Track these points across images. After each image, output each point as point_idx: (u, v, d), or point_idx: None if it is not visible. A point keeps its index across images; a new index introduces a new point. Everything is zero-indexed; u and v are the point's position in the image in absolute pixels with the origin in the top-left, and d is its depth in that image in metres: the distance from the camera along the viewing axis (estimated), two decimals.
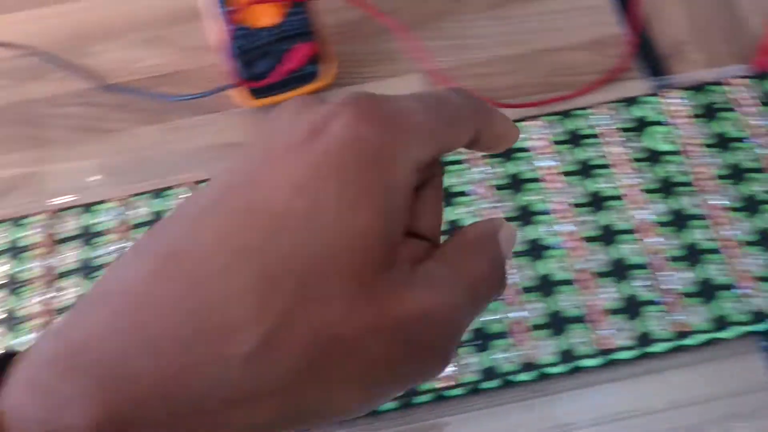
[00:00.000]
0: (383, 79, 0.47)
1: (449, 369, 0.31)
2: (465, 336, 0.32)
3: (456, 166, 0.36)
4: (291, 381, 0.15)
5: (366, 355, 0.15)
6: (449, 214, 0.34)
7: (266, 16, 0.42)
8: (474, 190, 0.35)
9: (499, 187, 0.35)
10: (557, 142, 0.37)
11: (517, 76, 0.46)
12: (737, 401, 0.37)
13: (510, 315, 0.32)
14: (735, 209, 0.34)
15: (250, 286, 0.15)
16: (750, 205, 0.34)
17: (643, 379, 0.37)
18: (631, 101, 0.38)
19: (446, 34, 0.48)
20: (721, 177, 0.35)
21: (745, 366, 0.37)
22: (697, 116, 0.37)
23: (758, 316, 0.32)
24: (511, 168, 0.36)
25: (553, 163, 0.36)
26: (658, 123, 0.37)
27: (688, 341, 0.35)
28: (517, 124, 0.37)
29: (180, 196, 0.38)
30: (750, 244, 0.33)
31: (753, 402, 0.37)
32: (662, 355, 0.37)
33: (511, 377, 0.35)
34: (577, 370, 0.35)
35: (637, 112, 0.37)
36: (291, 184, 0.16)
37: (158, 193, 0.38)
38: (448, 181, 0.35)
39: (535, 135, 0.37)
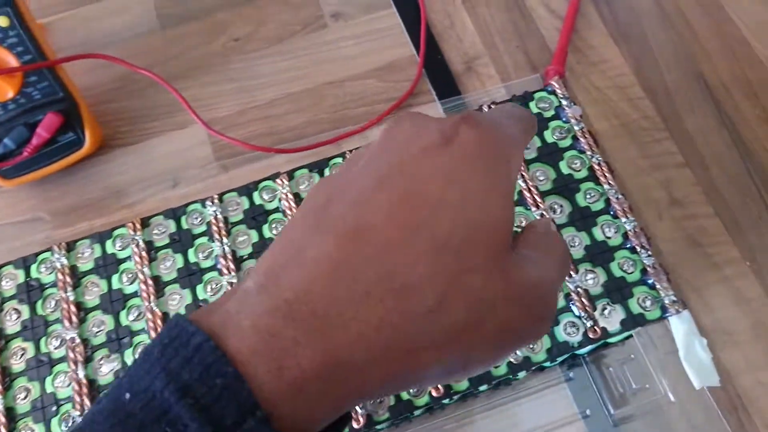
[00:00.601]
0: (167, 133, 0.43)
1: None
2: None
3: (199, 240, 0.33)
4: (457, 332, 0.18)
5: (499, 316, 0.19)
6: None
7: None
8: (217, 264, 0.32)
9: (244, 258, 0.32)
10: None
11: (306, 113, 0.43)
12: None
13: None
14: None
15: (423, 255, 0.18)
16: None
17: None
18: None
19: (227, 78, 0.45)
20: None
21: (556, 398, 0.36)
22: None
23: (513, 368, 0.30)
24: (256, 235, 0.33)
25: None
26: None
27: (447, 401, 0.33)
28: (263, 183, 0.34)
29: None
30: None
31: None
32: (459, 405, 0.35)
33: None
34: None
35: None
36: (443, 176, 0.19)
37: None
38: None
39: (284, 193, 0.33)
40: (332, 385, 0.17)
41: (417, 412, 0.33)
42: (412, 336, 0.18)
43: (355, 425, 0.28)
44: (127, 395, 0.17)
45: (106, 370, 0.30)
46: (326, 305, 0.17)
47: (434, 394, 0.29)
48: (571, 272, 0.30)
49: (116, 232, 0.33)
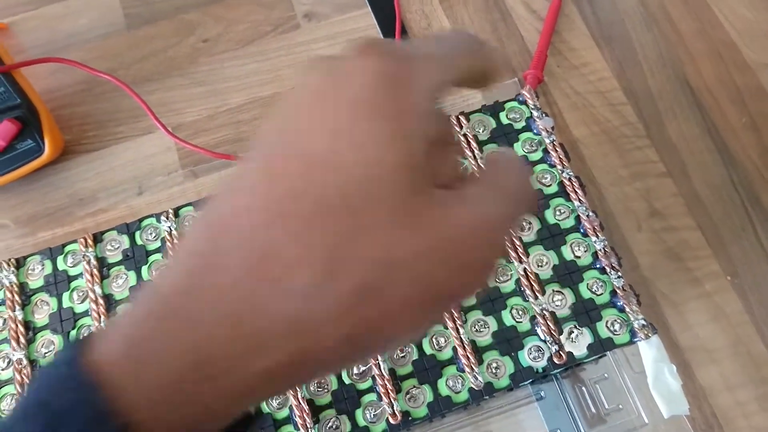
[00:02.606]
0: (132, 139, 0.42)
1: None
2: None
3: (154, 256, 0.31)
4: (351, 306, 0.16)
5: (417, 276, 0.16)
6: None
7: None
8: None
9: None
10: None
11: None
12: None
13: None
14: None
15: (297, 228, 0.16)
16: None
17: None
18: None
19: (196, 80, 0.43)
20: None
21: (526, 417, 0.35)
22: None
23: (474, 394, 0.29)
24: None
25: None
26: None
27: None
28: None
29: None
30: (474, 309, 0.29)
31: None
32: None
33: None
34: None
35: None
36: (328, 130, 0.17)
37: None
38: None
39: None
40: (201, 384, 0.16)
41: None
42: (297, 318, 0.16)
43: None
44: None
45: None
46: (191, 302, 0.16)
47: (392, 421, 0.28)
48: (537, 294, 0.29)
49: (68, 248, 0.32)
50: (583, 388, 0.35)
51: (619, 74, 0.42)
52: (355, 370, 0.29)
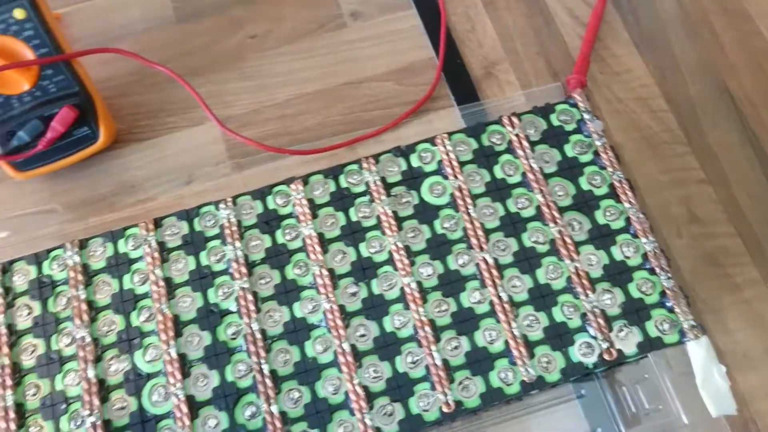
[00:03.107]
0: (182, 130, 0.43)
1: None
2: None
3: (212, 243, 0.32)
4: None
5: None
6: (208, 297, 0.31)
7: (14, 83, 0.37)
8: (229, 269, 0.32)
9: (256, 263, 0.31)
10: (323, 205, 0.33)
11: (321, 114, 0.43)
12: None
13: (266, 408, 0.29)
14: (510, 265, 0.31)
15: None
16: (526, 259, 0.31)
17: None
18: (406, 151, 0.34)
19: (244, 75, 0.44)
20: (496, 230, 0.32)
21: (565, 415, 0.36)
22: (472, 162, 0.34)
23: (526, 386, 0.29)
24: (269, 240, 0.32)
25: (314, 231, 0.32)
26: (433, 173, 0.33)
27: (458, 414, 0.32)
28: (277, 188, 0.33)
29: None
30: (525, 303, 0.30)
31: None
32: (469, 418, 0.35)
33: None
34: None
35: (414, 162, 0.34)
36: None
37: None
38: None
39: (298, 199, 0.33)
40: None
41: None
42: None
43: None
44: None
45: (116, 370, 0.30)
46: None
47: (445, 410, 0.28)
48: (588, 291, 0.30)
49: (129, 232, 0.33)
50: (624, 388, 0.36)
51: (660, 82, 0.43)
52: (409, 360, 0.29)
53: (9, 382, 0.30)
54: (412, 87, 0.44)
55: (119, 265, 0.32)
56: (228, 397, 0.29)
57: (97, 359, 0.30)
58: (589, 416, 0.35)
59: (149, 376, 0.30)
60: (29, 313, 0.31)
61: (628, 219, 0.31)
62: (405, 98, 0.44)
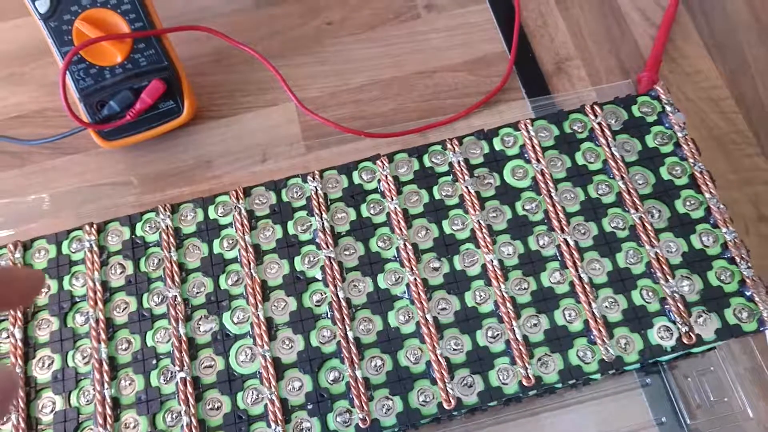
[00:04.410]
0: (258, 109, 0.44)
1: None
2: (301, 400, 0.30)
3: (298, 213, 0.34)
4: None
5: None
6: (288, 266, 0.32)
7: (109, 55, 0.39)
8: (315, 238, 0.33)
9: (341, 235, 0.33)
10: (407, 182, 0.34)
11: (394, 100, 0.44)
12: None
13: (350, 373, 0.30)
14: (590, 248, 0.32)
15: None
16: (606, 243, 0.32)
17: (507, 426, 0.35)
18: (489, 134, 0.35)
19: (320, 60, 0.46)
20: (576, 213, 0.33)
21: (629, 403, 0.36)
22: (554, 148, 0.35)
23: (604, 366, 0.30)
24: (354, 213, 0.33)
25: (399, 206, 0.33)
26: (515, 157, 0.34)
27: (533, 392, 0.32)
28: (363, 164, 0.34)
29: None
30: (605, 286, 0.31)
31: None
32: (537, 399, 0.36)
33: None
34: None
35: (496, 145, 0.35)
36: None
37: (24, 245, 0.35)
38: (293, 230, 0.33)
39: (383, 175, 0.34)
40: None
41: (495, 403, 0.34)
42: None
43: (446, 406, 0.29)
44: None
45: (204, 330, 0.31)
46: None
47: (525, 383, 0.29)
48: (668, 277, 0.31)
49: (219, 199, 0.34)
50: (689, 379, 0.36)
51: (730, 84, 0.43)
52: (489, 334, 0.30)
53: (103, 336, 0.31)
54: (484, 78, 0.45)
55: (209, 230, 0.33)
56: (312, 361, 0.30)
57: (187, 318, 0.32)
58: (654, 405, 0.36)
59: (236, 337, 0.31)
60: (122, 272, 0.33)
61: (708, 209, 0.32)
62: (477, 89, 0.45)
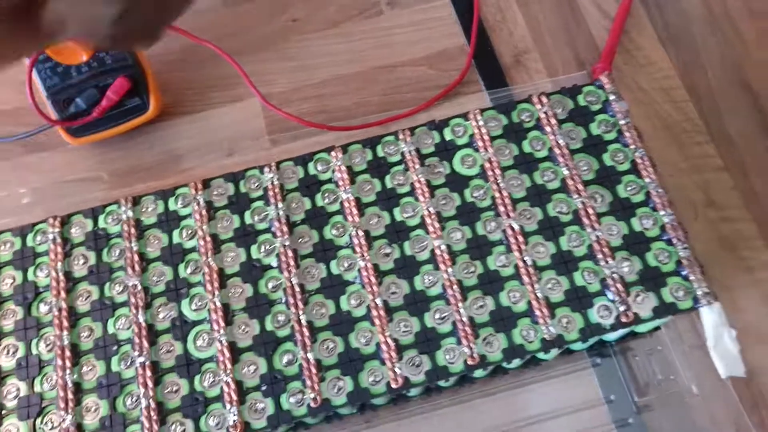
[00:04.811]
0: (225, 105, 0.46)
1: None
2: (255, 381, 0.31)
3: (256, 204, 0.35)
4: None
5: None
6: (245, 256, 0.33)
7: (75, 53, 0.40)
8: (272, 227, 0.34)
9: (297, 224, 0.34)
10: (361, 172, 0.35)
11: (357, 95, 0.45)
12: (573, 419, 0.36)
13: (303, 355, 0.31)
14: (535, 233, 0.33)
15: None
16: (550, 227, 0.33)
17: (463, 407, 0.36)
18: (440, 125, 0.36)
19: (285, 56, 0.47)
20: (522, 199, 0.34)
21: (581, 383, 0.37)
22: (502, 137, 0.36)
23: (546, 344, 0.31)
24: (309, 203, 0.34)
25: (352, 195, 0.34)
26: (464, 146, 0.35)
27: (478, 373, 0.34)
28: (318, 155, 0.35)
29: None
30: (548, 268, 0.32)
31: (587, 419, 0.37)
32: (492, 380, 0.37)
33: (305, 420, 0.34)
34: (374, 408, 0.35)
35: (447, 135, 0.35)
36: None
37: None
38: (248, 220, 0.34)
39: (338, 166, 0.35)
40: None
41: (448, 383, 0.35)
42: None
43: (393, 385, 0.30)
44: None
45: (163, 317, 0.32)
46: None
47: (469, 362, 0.30)
48: (608, 258, 0.32)
49: (178, 191, 0.35)
50: (637, 358, 0.37)
51: (682, 74, 0.45)
52: (437, 316, 0.31)
53: (66, 324, 0.32)
54: (445, 72, 0.46)
55: (169, 221, 0.34)
56: (267, 344, 0.31)
57: (147, 306, 0.33)
58: (604, 385, 0.37)
59: (194, 323, 0.32)
60: (85, 263, 0.34)
61: (648, 193, 0.33)
62: (437, 82, 0.46)
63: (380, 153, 0.35)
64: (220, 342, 0.31)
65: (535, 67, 0.45)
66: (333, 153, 0.35)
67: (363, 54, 0.46)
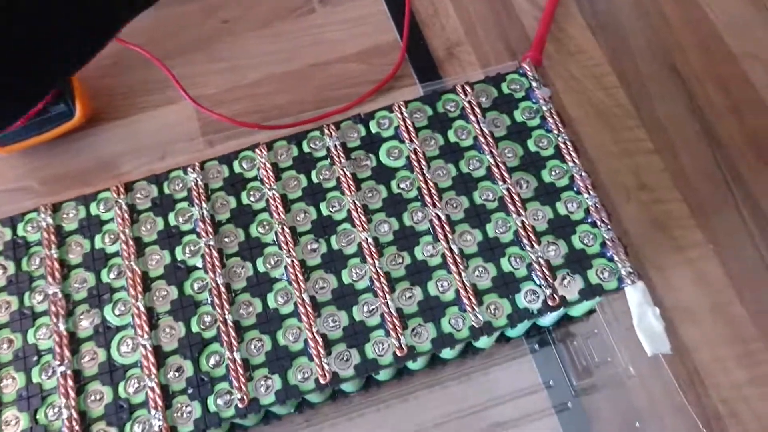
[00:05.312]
0: (156, 109, 0.45)
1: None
2: (182, 385, 0.30)
3: (180, 205, 0.34)
4: None
5: None
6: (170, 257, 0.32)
7: None
8: (196, 228, 0.33)
9: (222, 223, 0.33)
10: (286, 168, 0.35)
11: (291, 93, 0.45)
12: (513, 405, 0.36)
13: (229, 355, 0.30)
14: (462, 221, 0.33)
15: None
16: (477, 215, 0.33)
17: (406, 400, 0.36)
18: (365, 118, 0.36)
19: (217, 57, 0.46)
20: (449, 189, 0.34)
21: (520, 370, 0.37)
22: (427, 128, 0.36)
23: (475, 331, 0.30)
24: (234, 201, 0.33)
25: (278, 192, 0.33)
26: (390, 138, 0.35)
27: (412, 365, 0.34)
28: (243, 153, 0.35)
29: None
30: (475, 255, 0.32)
31: (527, 405, 0.37)
32: (433, 372, 0.37)
33: (242, 423, 0.34)
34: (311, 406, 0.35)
35: (373, 128, 0.35)
36: None
37: None
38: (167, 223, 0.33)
39: (263, 163, 0.34)
40: None
41: (383, 376, 0.35)
42: None
43: (322, 381, 0.30)
44: None
45: (86, 324, 0.31)
46: None
47: (398, 354, 0.30)
48: (534, 243, 0.32)
49: (100, 196, 0.34)
50: (575, 342, 0.38)
51: (612, 60, 0.45)
52: (365, 309, 0.31)
53: None
54: (378, 67, 0.46)
55: (91, 226, 0.33)
56: (193, 346, 0.31)
57: (69, 314, 0.32)
58: (543, 370, 0.37)
59: (118, 329, 0.31)
60: (3, 273, 0.33)
61: (571, 177, 0.33)
62: (371, 77, 0.46)
63: (306, 149, 0.35)
64: (144, 347, 0.31)
65: (467, 60, 0.46)
66: (258, 150, 0.35)
67: (296, 52, 0.46)
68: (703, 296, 0.38)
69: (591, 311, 0.37)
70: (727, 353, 0.37)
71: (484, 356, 0.37)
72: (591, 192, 0.33)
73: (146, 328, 0.31)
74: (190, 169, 0.35)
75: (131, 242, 0.33)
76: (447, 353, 0.35)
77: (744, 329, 0.37)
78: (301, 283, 0.32)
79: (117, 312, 0.32)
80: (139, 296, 0.32)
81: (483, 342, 0.35)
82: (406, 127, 0.35)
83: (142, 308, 0.31)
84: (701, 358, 0.37)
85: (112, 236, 0.33)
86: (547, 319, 0.36)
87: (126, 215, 0.33)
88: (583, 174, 0.33)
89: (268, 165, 0.34)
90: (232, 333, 0.31)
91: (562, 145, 0.34)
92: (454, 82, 0.44)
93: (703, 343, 0.37)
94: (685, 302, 0.38)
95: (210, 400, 0.30)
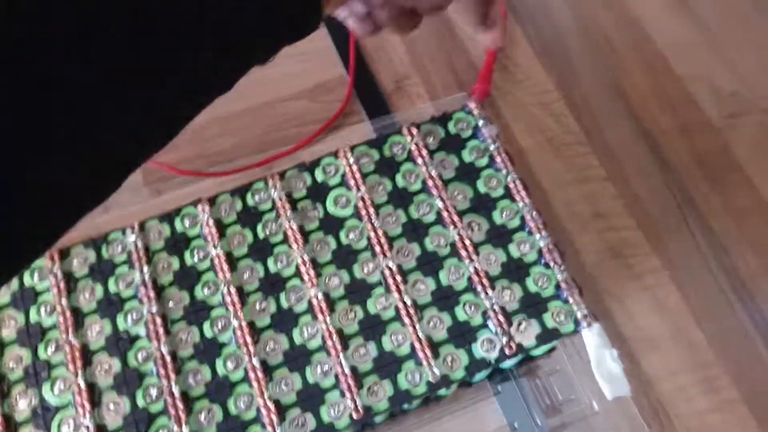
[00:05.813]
0: None
1: None
2: None
3: (120, 269, 0.32)
4: None
5: None
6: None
7: None
8: (138, 294, 0.31)
9: (165, 287, 0.32)
10: (231, 224, 0.33)
11: (236, 136, 0.44)
12: None
13: (177, 430, 0.29)
14: (414, 270, 0.32)
15: None
16: (429, 263, 0.32)
17: None
18: (311, 165, 0.35)
19: None
20: (399, 236, 0.33)
21: (485, 413, 0.37)
22: (375, 172, 0.35)
23: (432, 387, 0.30)
24: (177, 262, 0.32)
25: (222, 250, 0.32)
26: (337, 186, 0.34)
27: (372, 421, 0.32)
28: (184, 210, 0.34)
29: None
30: (429, 306, 0.31)
31: None
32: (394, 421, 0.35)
33: None
34: None
35: (319, 176, 0.34)
36: None
37: None
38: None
39: (205, 219, 0.33)
40: None
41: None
42: None
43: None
44: None
45: (23, 406, 0.30)
46: None
47: (354, 416, 0.29)
48: (488, 289, 0.31)
49: (34, 265, 0.32)
50: (537, 381, 0.37)
51: (559, 86, 0.45)
52: (319, 370, 0.30)
53: None
54: (326, 104, 0.45)
55: (25, 298, 0.32)
56: (139, 423, 0.29)
57: (4, 396, 0.30)
58: (507, 411, 0.37)
59: (58, 409, 0.29)
60: None
61: (522, 218, 0.33)
62: (319, 115, 0.45)
63: (250, 202, 0.34)
64: (87, 428, 0.29)
65: (416, 92, 0.45)
66: (200, 206, 0.33)
67: (240, 92, 0.44)
68: (662, 323, 0.38)
69: (552, 348, 0.36)
70: (688, 381, 0.37)
71: (448, 401, 0.36)
72: (542, 232, 0.32)
73: (88, 407, 0.29)
74: (129, 230, 0.33)
75: (69, 313, 0.31)
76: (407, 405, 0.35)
77: (703, 354, 0.37)
78: (250, 346, 0.30)
79: (56, 390, 0.30)
80: (80, 372, 0.30)
81: (444, 390, 0.34)
82: (353, 174, 0.34)
83: (83, 385, 0.30)
84: (663, 389, 0.36)
85: (48, 307, 0.31)
86: (508, 362, 0.35)
87: (62, 284, 0.32)
88: (534, 213, 0.33)
89: (212, 221, 0.33)
90: (180, 405, 0.29)
91: (512, 185, 0.33)
92: (402, 118, 0.43)
93: (665, 372, 0.37)
94: (645, 331, 0.38)
95: None
